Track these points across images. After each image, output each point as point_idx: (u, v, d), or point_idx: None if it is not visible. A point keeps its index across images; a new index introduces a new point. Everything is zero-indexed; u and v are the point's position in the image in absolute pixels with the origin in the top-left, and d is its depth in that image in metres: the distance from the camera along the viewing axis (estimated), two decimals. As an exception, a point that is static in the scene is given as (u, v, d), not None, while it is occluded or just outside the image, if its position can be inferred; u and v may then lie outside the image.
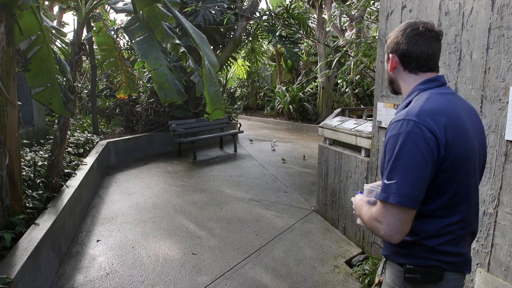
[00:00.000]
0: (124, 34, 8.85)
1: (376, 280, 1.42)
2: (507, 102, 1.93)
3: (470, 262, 1.21)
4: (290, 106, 13.13)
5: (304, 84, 14.17)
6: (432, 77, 1.20)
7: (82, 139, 5.88)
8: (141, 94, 8.70)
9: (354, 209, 1.29)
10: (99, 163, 5.44)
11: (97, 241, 3.48)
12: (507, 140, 1.95)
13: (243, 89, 17.85)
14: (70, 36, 14.08)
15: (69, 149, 5.22)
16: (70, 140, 5.58)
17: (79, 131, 6.74)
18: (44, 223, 2.75)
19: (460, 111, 1.14)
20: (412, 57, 1.18)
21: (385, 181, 1.08)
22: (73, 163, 4.60)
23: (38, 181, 3.46)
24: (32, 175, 3.38)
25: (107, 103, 9.54)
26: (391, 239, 1.07)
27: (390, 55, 1.25)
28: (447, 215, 1.12)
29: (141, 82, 8.84)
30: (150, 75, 7.58)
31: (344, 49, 8.63)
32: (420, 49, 1.17)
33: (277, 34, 8.55)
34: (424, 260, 1.15)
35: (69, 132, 5.78)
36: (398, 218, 1.05)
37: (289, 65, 15.97)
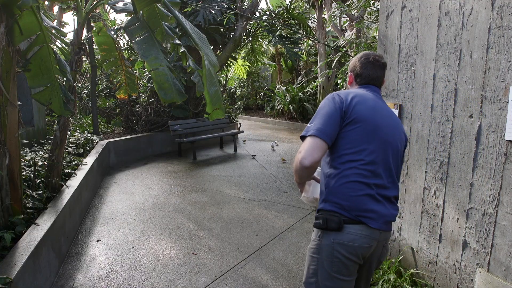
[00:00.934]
0: (124, 34, 8.85)
1: None
2: (507, 102, 1.93)
3: (376, 217, 1.45)
4: (290, 106, 13.12)
5: (304, 84, 14.15)
6: (368, 85, 1.66)
7: (82, 139, 5.88)
8: (141, 94, 8.70)
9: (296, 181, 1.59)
10: (99, 163, 5.44)
11: (97, 241, 3.48)
12: (507, 140, 1.94)
13: (243, 89, 17.83)
14: (70, 36, 14.10)
15: (69, 149, 5.21)
16: (70, 140, 5.58)
17: (79, 131, 6.74)
18: (44, 223, 2.75)
19: (374, 100, 1.56)
20: (362, 77, 1.67)
21: (307, 125, 1.48)
22: (73, 163, 4.60)
23: (38, 181, 3.46)
24: (32, 175, 3.38)
25: (107, 103, 9.53)
26: (304, 160, 1.37)
27: (349, 73, 1.73)
28: (353, 159, 1.45)
29: (141, 82, 8.83)
30: (150, 75, 7.58)
31: (344, 49, 8.63)
32: (368, 72, 1.65)
33: (277, 34, 8.53)
34: (329, 203, 1.47)
35: (69, 132, 5.78)
36: (311, 144, 1.39)
37: (289, 65, 15.95)
